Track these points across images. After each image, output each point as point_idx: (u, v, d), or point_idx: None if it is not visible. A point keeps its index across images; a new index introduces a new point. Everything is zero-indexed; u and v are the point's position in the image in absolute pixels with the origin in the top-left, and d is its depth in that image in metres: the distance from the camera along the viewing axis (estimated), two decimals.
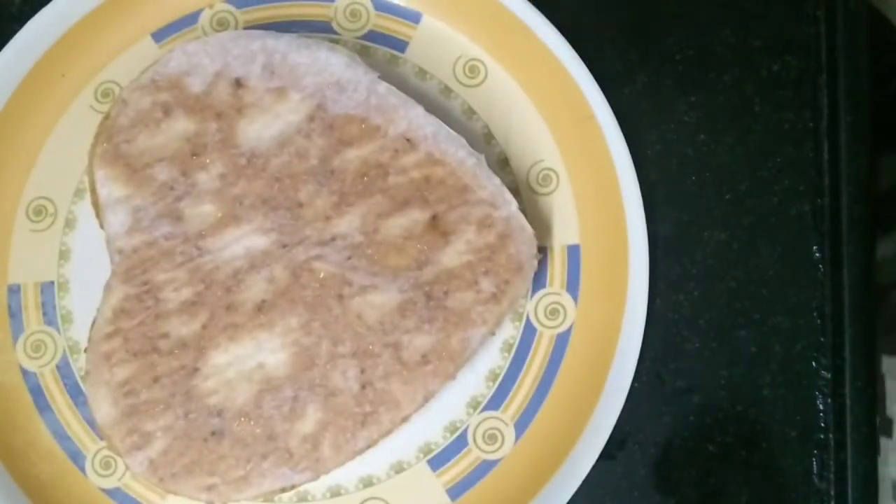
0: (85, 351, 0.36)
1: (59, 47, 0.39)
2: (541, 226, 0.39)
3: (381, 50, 0.40)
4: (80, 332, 0.38)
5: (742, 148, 0.40)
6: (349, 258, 0.35)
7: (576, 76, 0.38)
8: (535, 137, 0.40)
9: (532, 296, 0.39)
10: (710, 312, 0.40)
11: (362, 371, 0.35)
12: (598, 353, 0.37)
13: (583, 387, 0.37)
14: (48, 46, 0.39)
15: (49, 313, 0.38)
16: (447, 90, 0.40)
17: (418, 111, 0.36)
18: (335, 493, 0.38)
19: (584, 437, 0.37)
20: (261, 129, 0.36)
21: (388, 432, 0.35)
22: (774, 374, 0.39)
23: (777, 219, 0.40)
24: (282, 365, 0.35)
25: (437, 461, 0.38)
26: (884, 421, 0.43)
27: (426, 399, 0.35)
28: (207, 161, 0.36)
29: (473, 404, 0.38)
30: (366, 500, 0.38)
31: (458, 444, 0.38)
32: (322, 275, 0.35)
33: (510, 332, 0.39)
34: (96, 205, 0.36)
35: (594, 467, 0.36)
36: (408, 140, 0.36)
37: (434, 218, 0.35)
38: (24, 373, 0.38)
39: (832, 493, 0.39)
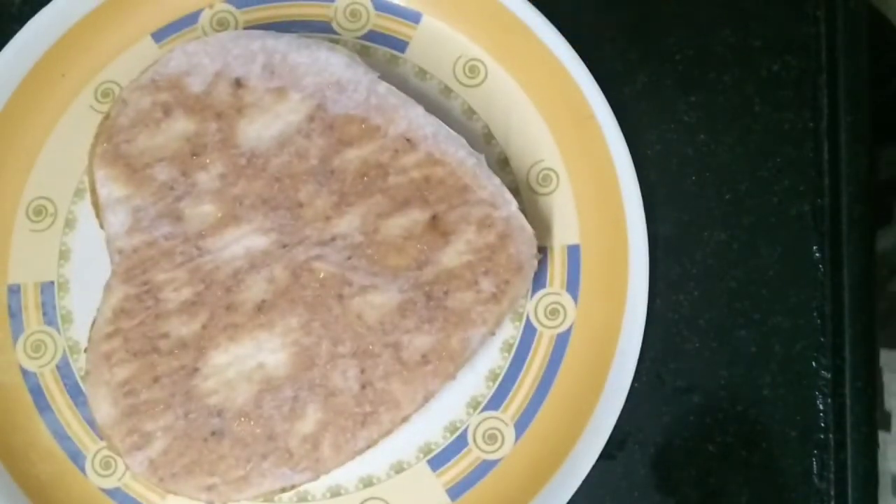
0: (85, 351, 0.36)
1: (59, 47, 0.39)
2: (541, 226, 0.39)
3: (381, 50, 0.40)
4: (80, 332, 0.38)
5: (742, 148, 0.40)
6: (349, 258, 0.35)
7: (576, 76, 0.38)
8: (535, 137, 0.40)
9: (532, 296, 0.39)
10: (710, 312, 0.40)
11: (362, 371, 0.35)
12: (598, 353, 0.37)
13: (583, 387, 0.37)
14: (48, 46, 0.39)
15: (49, 313, 0.38)
16: (447, 90, 0.40)
17: (418, 111, 0.36)
18: (335, 493, 0.38)
19: (584, 437, 0.37)
20: (261, 129, 0.36)
21: (388, 432, 0.35)
22: (774, 374, 0.39)
23: (777, 219, 0.40)
24: (282, 365, 0.35)
25: (437, 461, 0.38)
26: (882, 415, 0.43)
27: (426, 399, 0.35)
28: (207, 161, 0.36)
29: (473, 404, 0.38)
30: (366, 500, 0.38)
31: (458, 444, 0.38)
32: (322, 275, 0.35)
33: (510, 332, 0.39)
34: (96, 205, 0.36)
35: (594, 467, 0.36)
36: (408, 140, 0.36)
37: (434, 218, 0.35)
38: (24, 373, 0.38)
39: (832, 493, 0.39)
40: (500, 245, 0.35)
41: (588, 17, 0.41)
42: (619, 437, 0.39)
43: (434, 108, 0.37)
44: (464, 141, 0.36)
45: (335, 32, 0.40)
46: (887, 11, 0.47)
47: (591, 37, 0.40)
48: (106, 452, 0.38)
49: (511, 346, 0.38)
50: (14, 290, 0.38)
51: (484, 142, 0.40)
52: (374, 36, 0.40)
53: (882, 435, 0.41)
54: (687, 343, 0.39)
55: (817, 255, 0.40)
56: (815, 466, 0.39)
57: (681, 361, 0.39)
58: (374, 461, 0.37)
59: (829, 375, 0.39)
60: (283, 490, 0.35)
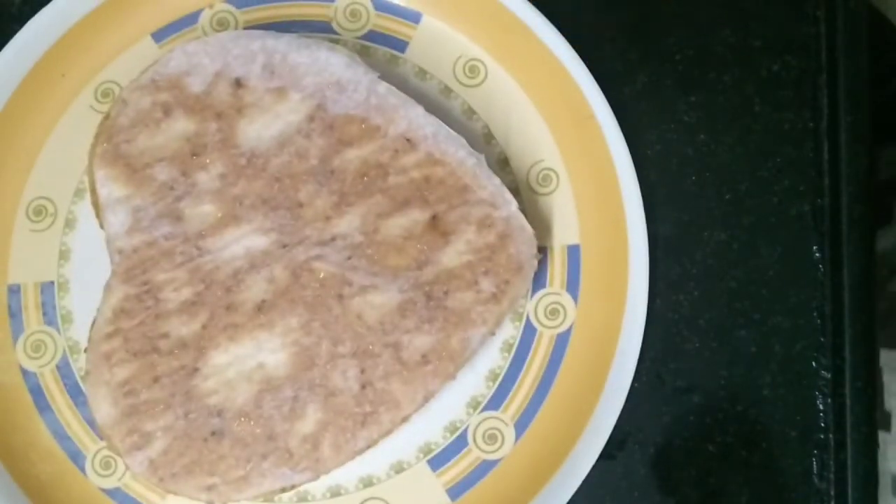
0: (85, 351, 0.36)
1: (59, 47, 0.39)
2: (541, 226, 0.39)
3: (381, 50, 0.40)
4: (80, 332, 0.38)
5: (742, 148, 0.40)
6: (349, 258, 0.35)
7: (576, 76, 0.38)
8: (535, 137, 0.40)
9: (532, 296, 0.39)
10: (710, 312, 0.40)
11: (362, 371, 0.35)
12: (598, 353, 0.37)
13: (583, 387, 0.37)
14: (48, 46, 0.39)
15: (49, 313, 0.38)
16: (447, 90, 0.40)
17: (418, 111, 0.36)
18: (335, 493, 0.38)
19: (584, 437, 0.37)
20: (261, 129, 0.36)
21: (388, 432, 0.35)
22: (774, 374, 0.39)
23: (777, 219, 0.40)
24: (282, 365, 0.35)
25: (437, 461, 0.38)
26: (882, 415, 0.43)
27: (426, 399, 0.35)
28: (207, 161, 0.36)
29: (473, 404, 0.38)
30: (366, 500, 0.38)
31: (458, 444, 0.38)
32: (322, 275, 0.35)
33: (510, 332, 0.39)
34: (96, 205, 0.36)
35: (594, 467, 0.36)
36: (408, 140, 0.36)
37: (434, 218, 0.35)
38: (24, 373, 0.38)
39: (832, 493, 0.39)
40: (500, 245, 0.35)
41: (588, 17, 0.41)
42: (619, 437, 0.39)
43: (434, 108, 0.37)
44: (464, 141, 0.36)
45: (335, 32, 0.40)
46: (887, 11, 0.47)
47: (591, 37, 0.40)
48: (106, 452, 0.38)
49: (511, 346, 0.38)
50: (14, 290, 0.38)
51: (484, 142, 0.40)
52: (374, 36, 0.40)
53: (882, 435, 0.41)
54: (687, 343, 0.39)
55: (817, 255, 0.40)
56: (815, 466, 0.39)
57: (681, 361, 0.39)
58: (374, 461, 0.37)
59: (829, 375, 0.39)
60: (283, 490, 0.35)
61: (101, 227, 0.36)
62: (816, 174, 0.40)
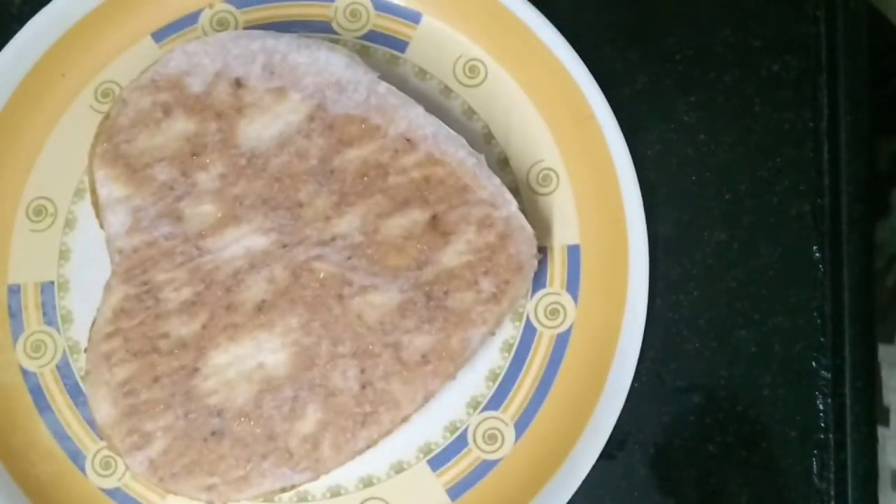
0: (85, 351, 0.36)
1: (59, 47, 0.39)
2: (541, 226, 0.39)
3: (381, 50, 0.40)
4: (80, 332, 0.38)
5: (742, 148, 0.40)
6: (349, 258, 0.35)
7: (576, 76, 0.38)
8: (535, 137, 0.40)
9: (532, 296, 0.39)
10: (710, 312, 0.40)
11: (362, 371, 0.35)
12: (598, 353, 0.37)
13: (583, 387, 0.37)
14: (48, 46, 0.39)
15: (49, 313, 0.38)
16: (447, 90, 0.40)
17: (418, 111, 0.36)
18: (335, 493, 0.38)
19: (584, 437, 0.37)
20: (261, 129, 0.36)
21: (388, 432, 0.35)
22: (774, 374, 0.39)
23: (777, 219, 0.40)
24: (282, 365, 0.35)
25: (437, 461, 0.38)
26: (881, 410, 0.43)
27: (426, 399, 0.35)
28: (207, 161, 0.36)
29: (473, 404, 0.38)
30: (366, 500, 0.38)
31: (458, 444, 0.38)
32: (322, 275, 0.35)
33: (510, 332, 0.39)
34: (96, 205, 0.36)
35: (594, 467, 0.36)
36: (408, 140, 0.36)
37: (434, 218, 0.35)
38: (24, 373, 0.38)
39: (832, 493, 0.39)
40: (500, 245, 0.35)
41: (588, 17, 0.41)
42: (619, 437, 0.39)
43: (434, 108, 0.37)
44: (464, 141, 0.36)
45: (335, 32, 0.40)
46: (887, 11, 0.47)
47: (591, 37, 0.40)
48: (106, 452, 0.38)
49: (511, 346, 0.38)
50: (14, 290, 0.38)
51: (484, 142, 0.40)
52: (374, 36, 0.40)
53: (881, 430, 0.41)
54: (687, 343, 0.39)
55: (817, 255, 0.40)
56: (815, 466, 0.39)
57: (681, 361, 0.39)
58: (374, 461, 0.37)
59: (829, 375, 0.39)
60: (283, 490, 0.35)
61: (101, 227, 0.36)
62: (816, 174, 0.40)
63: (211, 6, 0.40)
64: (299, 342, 0.35)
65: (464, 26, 0.40)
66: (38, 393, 0.38)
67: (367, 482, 0.38)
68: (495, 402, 0.38)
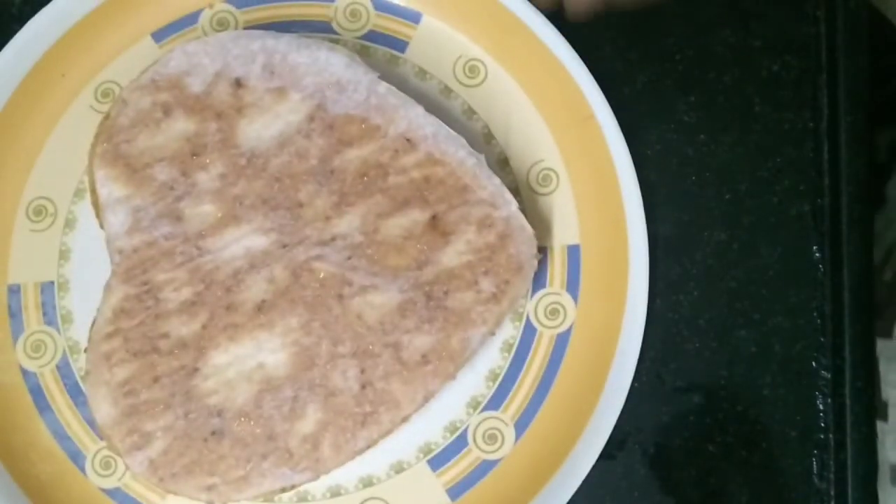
0: (85, 351, 0.36)
1: (59, 47, 0.39)
2: (541, 226, 0.39)
3: (381, 50, 0.40)
4: (80, 332, 0.38)
5: (742, 148, 0.40)
6: (349, 258, 0.35)
7: (576, 76, 0.38)
8: (535, 137, 0.40)
9: (532, 296, 0.39)
10: (710, 312, 0.40)
11: (362, 371, 0.35)
12: (598, 353, 0.37)
13: (583, 387, 0.37)
14: (48, 46, 0.39)
15: (49, 313, 0.38)
16: (447, 90, 0.40)
17: (418, 111, 0.36)
18: (335, 493, 0.38)
19: (584, 437, 0.37)
20: (261, 129, 0.36)
21: (388, 432, 0.35)
22: (774, 374, 0.39)
23: (777, 219, 0.40)
24: (282, 365, 0.35)
25: (437, 461, 0.38)
26: (879, 404, 0.43)
27: (426, 399, 0.35)
28: (207, 161, 0.36)
29: (473, 404, 0.38)
30: (366, 500, 0.38)
31: (458, 444, 0.38)
32: (322, 275, 0.35)
33: (510, 332, 0.39)
34: (96, 205, 0.36)
35: (594, 467, 0.36)
36: (408, 140, 0.36)
37: (434, 218, 0.35)
38: (24, 373, 0.38)
39: (832, 493, 0.39)
40: (500, 245, 0.35)
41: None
42: (619, 437, 0.39)
43: (434, 108, 0.37)
44: (464, 141, 0.36)
45: (335, 32, 0.40)
46: (887, 11, 0.47)
47: (591, 37, 0.40)
48: (106, 452, 0.38)
49: (511, 346, 0.38)
50: (14, 290, 0.38)
51: (484, 142, 0.40)
52: (374, 36, 0.40)
53: (880, 425, 0.41)
54: (687, 343, 0.39)
55: (817, 255, 0.40)
56: (815, 466, 0.39)
57: (681, 361, 0.39)
58: (374, 461, 0.37)
59: (829, 375, 0.39)
60: (283, 490, 0.35)
61: (101, 227, 0.36)
62: (816, 174, 0.40)
63: (211, 6, 0.40)
64: (299, 342, 0.35)
65: (464, 26, 0.40)
66: (38, 393, 0.38)
67: (367, 482, 0.38)
68: (495, 402, 0.38)
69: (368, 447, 0.35)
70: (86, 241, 0.39)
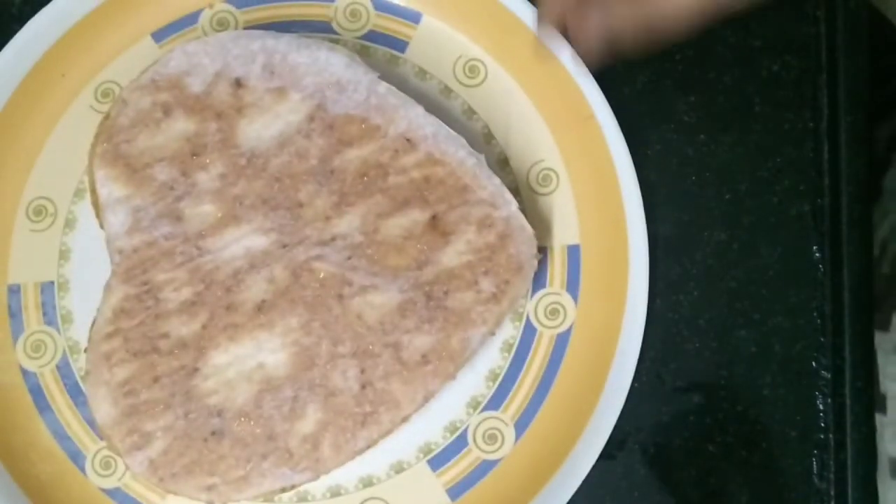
0: (85, 351, 0.36)
1: (59, 47, 0.39)
2: (541, 226, 0.39)
3: (381, 50, 0.40)
4: (80, 332, 0.38)
5: (742, 148, 0.40)
6: (349, 258, 0.35)
7: (576, 76, 0.38)
8: (535, 137, 0.40)
9: (532, 296, 0.39)
10: (710, 312, 0.40)
11: (362, 371, 0.35)
12: (598, 353, 0.37)
13: (583, 387, 0.37)
14: (48, 46, 0.39)
15: (49, 313, 0.38)
16: (447, 90, 0.40)
17: (418, 111, 0.36)
18: (335, 493, 0.38)
19: (584, 437, 0.37)
20: (261, 129, 0.36)
21: (388, 432, 0.35)
22: (774, 374, 0.39)
23: (777, 219, 0.40)
24: (282, 365, 0.35)
25: (437, 461, 0.38)
26: (878, 397, 0.43)
27: (426, 399, 0.35)
28: (207, 161, 0.36)
29: (473, 404, 0.38)
30: (366, 500, 0.38)
31: (458, 444, 0.38)
32: (322, 275, 0.35)
33: (510, 332, 0.39)
34: (96, 205, 0.36)
35: (594, 467, 0.36)
36: (408, 140, 0.36)
37: (434, 218, 0.35)
38: (24, 373, 0.38)
39: (832, 493, 0.39)
40: (500, 245, 0.35)
41: None
42: (619, 437, 0.38)
43: (434, 108, 0.37)
44: (464, 141, 0.36)
45: (335, 32, 0.40)
46: (887, 11, 0.47)
47: None
48: (106, 452, 0.38)
49: (511, 346, 0.38)
50: (14, 290, 0.38)
51: (484, 142, 0.40)
52: (374, 36, 0.40)
53: (879, 417, 0.41)
54: (687, 343, 0.39)
55: (817, 255, 0.40)
56: (815, 466, 0.39)
57: (681, 361, 0.39)
58: (374, 461, 0.37)
59: (829, 375, 0.39)
60: (283, 490, 0.35)
61: (101, 227, 0.36)
62: (816, 174, 0.40)
63: (211, 6, 0.40)
64: (299, 342, 0.35)
65: (464, 26, 0.40)
66: (38, 393, 0.38)
67: (367, 482, 0.38)
68: (495, 402, 0.38)
69: (368, 447, 0.35)
70: (86, 241, 0.39)
